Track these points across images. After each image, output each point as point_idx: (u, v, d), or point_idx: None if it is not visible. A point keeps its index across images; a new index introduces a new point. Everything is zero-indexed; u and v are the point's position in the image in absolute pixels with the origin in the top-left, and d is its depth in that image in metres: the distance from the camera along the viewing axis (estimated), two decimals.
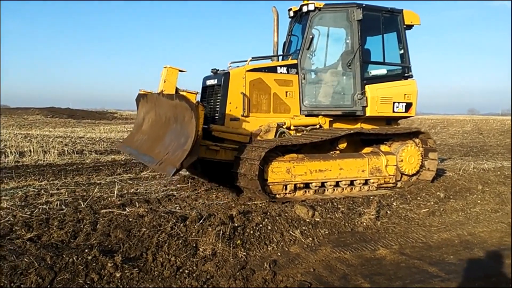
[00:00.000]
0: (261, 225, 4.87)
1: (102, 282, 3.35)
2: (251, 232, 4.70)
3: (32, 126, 25.08)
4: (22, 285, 3.12)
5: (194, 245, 4.27)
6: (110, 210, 4.97)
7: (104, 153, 11.95)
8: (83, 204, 5.41)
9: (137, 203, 5.51)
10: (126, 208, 5.07)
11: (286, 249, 4.62)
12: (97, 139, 16.06)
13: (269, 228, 4.88)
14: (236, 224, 4.70)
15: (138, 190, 6.78)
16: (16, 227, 4.31)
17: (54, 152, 11.01)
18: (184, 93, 5.25)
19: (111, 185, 7.21)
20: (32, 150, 11.14)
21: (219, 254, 4.20)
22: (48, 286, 3.16)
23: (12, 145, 12.53)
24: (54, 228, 4.20)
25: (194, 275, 3.70)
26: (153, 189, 6.90)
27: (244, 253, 4.31)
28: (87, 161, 10.33)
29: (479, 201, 7.07)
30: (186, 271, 3.75)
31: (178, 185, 7.22)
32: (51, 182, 7.35)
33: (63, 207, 5.23)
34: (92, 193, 6.32)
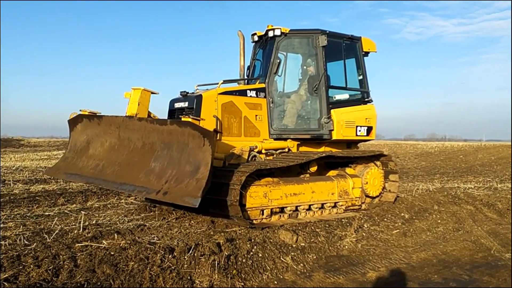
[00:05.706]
0: (252, 253, 4.66)
1: None
2: (244, 260, 4.48)
3: None
4: None
5: (189, 277, 3.96)
6: (86, 243, 4.49)
7: (29, 183, 10.78)
8: (49, 238, 4.85)
9: (109, 235, 5.04)
10: (103, 241, 4.60)
11: (281, 276, 4.45)
12: (14, 168, 14.51)
13: (260, 255, 4.68)
14: (226, 253, 4.44)
15: (100, 221, 6.23)
16: None
17: None
18: (189, 119, 4.98)
19: (64, 217, 6.58)
20: None
21: (216, 286, 3.93)
22: None
23: None
24: (31, 266, 3.68)
25: None
26: (116, 220, 6.38)
27: (242, 283, 4.10)
28: (16, 191, 9.29)
29: (439, 221, 7.36)
30: None
31: (142, 214, 6.76)
32: None
33: (27, 242, 4.64)
34: (51, 226, 5.72)
